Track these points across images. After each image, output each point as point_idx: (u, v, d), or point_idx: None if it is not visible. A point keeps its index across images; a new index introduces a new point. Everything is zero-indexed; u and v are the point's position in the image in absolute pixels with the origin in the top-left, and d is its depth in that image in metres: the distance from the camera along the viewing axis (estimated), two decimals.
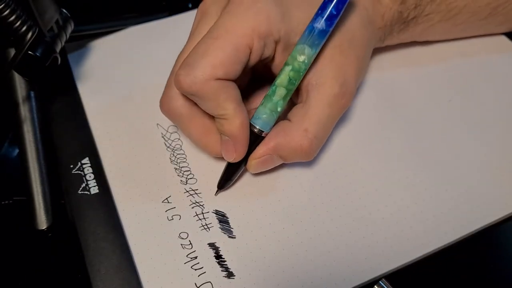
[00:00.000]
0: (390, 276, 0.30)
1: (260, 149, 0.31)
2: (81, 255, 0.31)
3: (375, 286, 0.29)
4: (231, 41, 0.28)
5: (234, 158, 0.31)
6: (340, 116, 0.33)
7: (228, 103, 0.29)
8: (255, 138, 0.31)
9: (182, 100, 0.31)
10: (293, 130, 0.31)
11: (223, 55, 0.28)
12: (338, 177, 0.35)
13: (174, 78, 0.29)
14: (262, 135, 0.31)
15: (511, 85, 0.41)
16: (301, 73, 0.30)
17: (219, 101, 0.29)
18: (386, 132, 0.37)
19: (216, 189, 0.33)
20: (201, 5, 0.33)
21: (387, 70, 0.41)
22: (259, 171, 0.33)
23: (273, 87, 0.30)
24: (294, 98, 0.33)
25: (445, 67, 0.42)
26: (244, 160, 0.32)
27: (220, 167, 0.33)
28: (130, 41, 0.43)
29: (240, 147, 0.31)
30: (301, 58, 0.30)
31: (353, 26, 0.33)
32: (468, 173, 0.35)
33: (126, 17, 0.45)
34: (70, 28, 0.36)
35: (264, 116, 0.31)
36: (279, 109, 0.31)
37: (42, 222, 0.33)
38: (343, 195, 0.34)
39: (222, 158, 0.32)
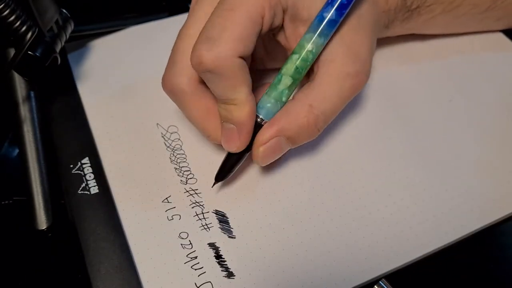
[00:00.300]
0: (390, 276, 0.30)
1: (266, 133, 0.30)
2: (81, 255, 0.31)
3: (375, 286, 0.29)
4: (247, 12, 0.27)
5: (237, 147, 0.30)
6: (352, 97, 0.31)
7: (243, 87, 0.28)
8: (257, 128, 0.30)
9: (187, 76, 0.30)
10: (297, 107, 0.30)
11: (241, 28, 0.27)
12: (338, 177, 0.35)
13: (193, 53, 0.27)
14: (263, 123, 0.30)
15: (510, 85, 0.41)
16: (309, 63, 0.30)
17: (235, 82, 0.28)
18: (386, 132, 0.37)
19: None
20: None
21: (387, 69, 0.41)
22: (268, 162, 0.31)
23: (279, 76, 0.30)
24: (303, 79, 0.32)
25: (445, 66, 0.42)
26: (245, 152, 0.31)
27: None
28: (130, 41, 0.43)
29: (245, 136, 0.29)
30: (310, 47, 0.29)
31: (361, 8, 0.32)
32: (468, 173, 0.35)
33: (126, 17, 0.45)
34: (70, 28, 0.36)
35: (269, 105, 0.30)
36: (284, 99, 0.30)
37: (42, 222, 0.33)
38: (343, 195, 0.34)
39: (222, 157, 0.32)
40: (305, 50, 0.29)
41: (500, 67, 0.42)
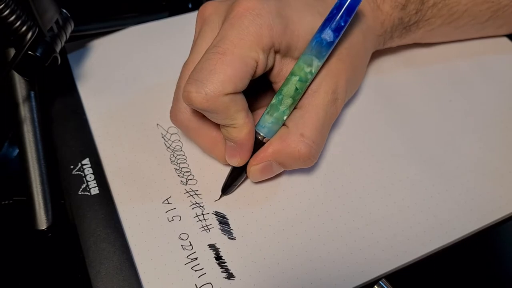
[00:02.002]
0: (390, 276, 0.30)
1: (258, 156, 0.31)
2: (81, 256, 0.31)
3: (375, 286, 0.29)
4: (239, 56, 0.28)
5: (239, 163, 0.31)
6: (332, 122, 0.33)
7: (238, 114, 0.29)
8: (258, 144, 0.31)
9: (190, 113, 0.31)
10: (289, 136, 0.31)
11: (232, 71, 0.28)
12: (338, 177, 0.35)
13: (183, 94, 0.28)
14: (264, 141, 0.31)
15: (511, 86, 0.41)
16: (307, 83, 0.30)
17: (229, 114, 0.29)
18: (386, 132, 0.37)
19: (218, 194, 0.33)
20: (201, 11, 0.32)
21: (388, 70, 0.41)
22: (260, 179, 0.33)
23: (280, 97, 0.31)
24: None
25: (446, 67, 0.42)
26: (245, 168, 0.32)
27: (220, 168, 0.34)
28: (130, 41, 0.43)
29: (245, 153, 0.31)
30: (308, 69, 0.30)
31: (352, 34, 0.33)
32: (469, 173, 0.35)
33: (126, 17, 0.45)
34: (70, 28, 0.35)
35: (270, 124, 0.31)
36: (284, 118, 0.31)
37: (42, 222, 0.32)
38: (343, 195, 0.34)
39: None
40: (304, 71, 0.30)
41: (501, 69, 0.42)
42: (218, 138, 0.32)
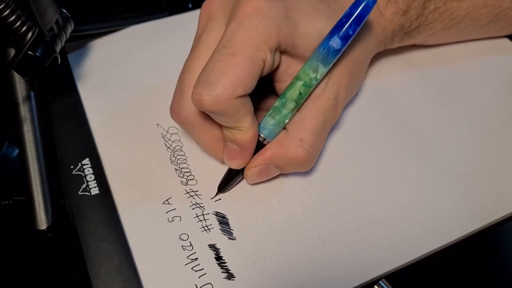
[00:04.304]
0: (390, 276, 0.30)
1: (257, 159, 0.32)
2: (81, 256, 0.31)
3: (375, 286, 0.29)
4: (248, 57, 0.28)
5: (239, 165, 0.32)
6: (331, 127, 0.33)
7: (245, 117, 0.29)
8: (259, 146, 0.32)
9: (194, 110, 0.30)
10: (288, 140, 0.31)
11: (242, 73, 0.27)
12: (337, 177, 0.35)
13: (193, 96, 0.28)
14: (264, 142, 0.32)
15: (511, 86, 0.41)
16: (311, 88, 0.31)
17: (238, 117, 0.29)
18: (386, 132, 0.37)
19: (215, 191, 0.33)
20: (206, 6, 0.32)
21: (388, 71, 0.41)
22: (256, 181, 0.33)
23: (283, 100, 0.31)
24: None
25: (446, 68, 0.42)
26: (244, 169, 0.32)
27: (220, 168, 0.34)
28: (130, 41, 0.43)
29: (247, 155, 0.31)
30: (313, 74, 0.30)
31: (354, 40, 0.33)
32: (469, 173, 0.35)
33: (126, 17, 0.45)
34: (70, 28, 0.35)
35: (271, 126, 0.31)
36: (286, 121, 0.31)
37: (42, 222, 0.32)
38: (343, 195, 0.34)
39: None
40: (309, 77, 0.30)
41: (501, 69, 0.42)
42: (220, 136, 0.32)
